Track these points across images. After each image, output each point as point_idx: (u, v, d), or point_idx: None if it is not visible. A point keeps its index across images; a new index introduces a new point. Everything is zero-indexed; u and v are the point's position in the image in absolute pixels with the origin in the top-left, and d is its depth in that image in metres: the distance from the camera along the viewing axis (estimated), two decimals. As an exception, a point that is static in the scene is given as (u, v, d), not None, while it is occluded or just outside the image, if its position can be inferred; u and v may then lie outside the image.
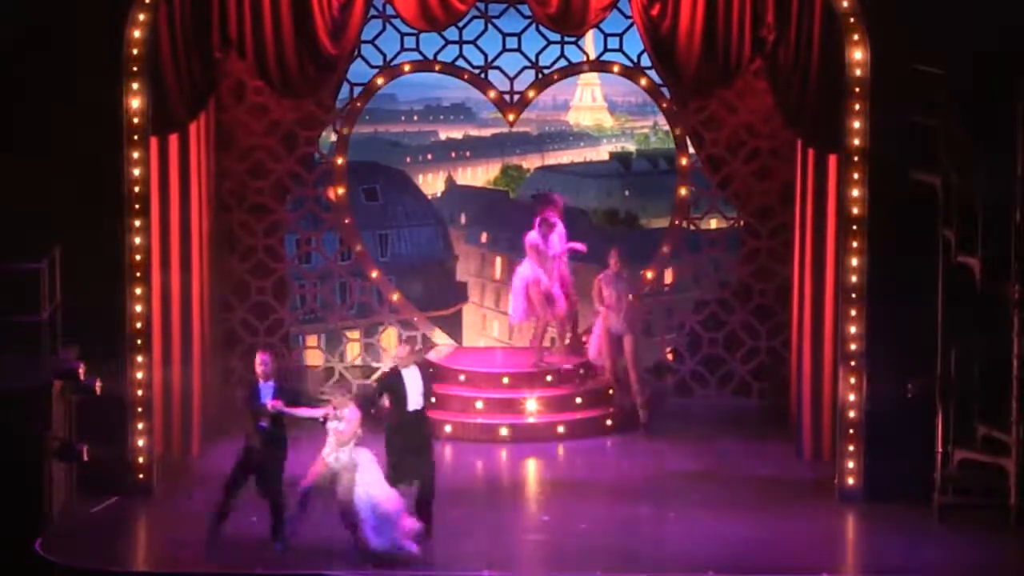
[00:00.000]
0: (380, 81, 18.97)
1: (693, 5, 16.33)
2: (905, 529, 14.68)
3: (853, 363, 15.41)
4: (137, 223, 15.39)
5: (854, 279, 15.40)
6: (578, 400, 18.16)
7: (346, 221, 19.38)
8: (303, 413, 13.89)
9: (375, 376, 17.68)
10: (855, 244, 15.38)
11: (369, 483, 13.51)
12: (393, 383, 14.18)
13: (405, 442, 14.08)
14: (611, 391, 18.25)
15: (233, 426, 16.98)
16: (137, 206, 15.38)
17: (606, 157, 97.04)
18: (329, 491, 13.57)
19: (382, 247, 53.63)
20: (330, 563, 13.53)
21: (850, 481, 15.47)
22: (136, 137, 15.34)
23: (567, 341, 19.04)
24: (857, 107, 15.28)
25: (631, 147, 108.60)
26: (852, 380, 15.43)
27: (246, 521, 14.27)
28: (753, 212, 19.01)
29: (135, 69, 15.29)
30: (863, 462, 15.40)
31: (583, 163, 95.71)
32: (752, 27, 16.28)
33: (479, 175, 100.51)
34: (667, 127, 19.83)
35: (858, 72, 15.25)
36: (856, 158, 15.33)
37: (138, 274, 15.42)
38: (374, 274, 19.87)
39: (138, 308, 15.42)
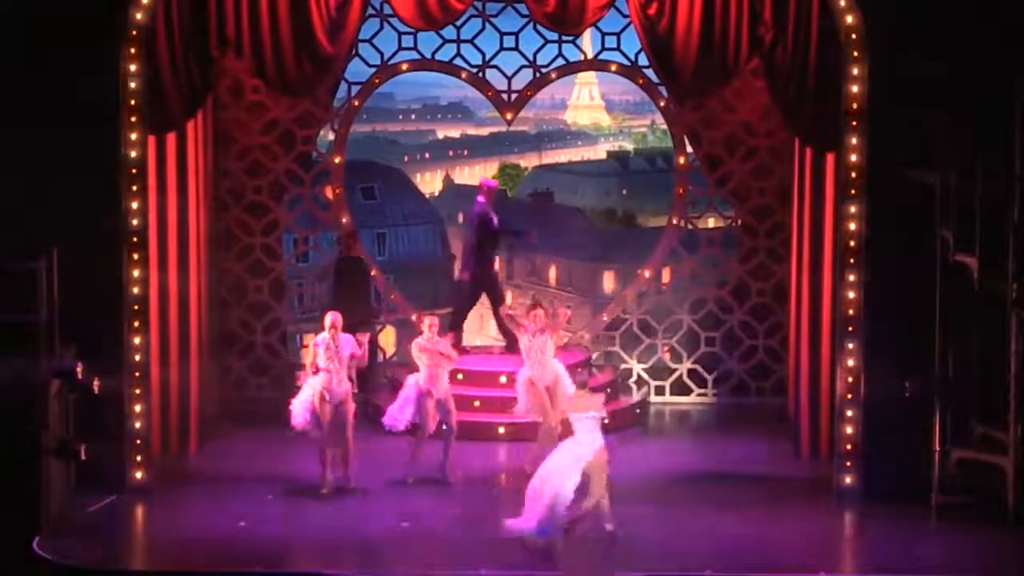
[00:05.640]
0: (378, 80, 19.00)
1: (690, 4, 16.31)
2: (903, 528, 14.65)
3: (851, 362, 15.39)
4: (135, 222, 15.36)
5: (852, 278, 15.36)
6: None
7: (344, 220, 19.38)
8: None
9: None
10: (853, 243, 15.34)
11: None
12: None
13: None
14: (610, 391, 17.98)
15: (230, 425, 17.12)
16: (135, 205, 15.35)
17: (604, 156, 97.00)
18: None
19: (380, 246, 53.62)
20: (330, 563, 13.53)
21: (848, 480, 15.44)
22: (134, 136, 15.31)
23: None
24: (855, 106, 15.25)
25: (629, 146, 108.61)
26: (850, 379, 15.41)
27: (234, 525, 14.42)
28: (751, 211, 19.02)
29: (132, 68, 15.26)
30: (861, 461, 15.38)
31: (581, 162, 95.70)
32: (750, 26, 16.27)
33: (477, 174, 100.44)
34: (665, 126, 19.84)
35: (856, 70, 15.21)
36: (854, 156, 15.28)
37: (136, 273, 15.39)
38: (372, 273, 19.86)
39: (136, 307, 15.39)
